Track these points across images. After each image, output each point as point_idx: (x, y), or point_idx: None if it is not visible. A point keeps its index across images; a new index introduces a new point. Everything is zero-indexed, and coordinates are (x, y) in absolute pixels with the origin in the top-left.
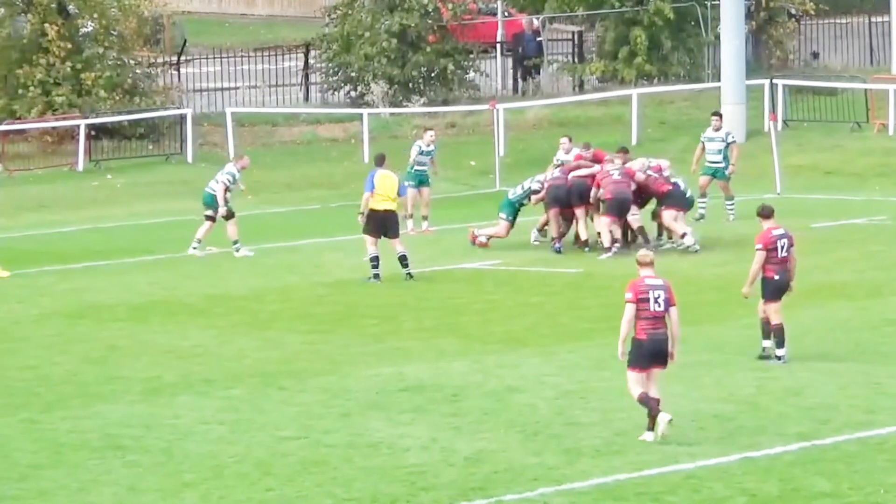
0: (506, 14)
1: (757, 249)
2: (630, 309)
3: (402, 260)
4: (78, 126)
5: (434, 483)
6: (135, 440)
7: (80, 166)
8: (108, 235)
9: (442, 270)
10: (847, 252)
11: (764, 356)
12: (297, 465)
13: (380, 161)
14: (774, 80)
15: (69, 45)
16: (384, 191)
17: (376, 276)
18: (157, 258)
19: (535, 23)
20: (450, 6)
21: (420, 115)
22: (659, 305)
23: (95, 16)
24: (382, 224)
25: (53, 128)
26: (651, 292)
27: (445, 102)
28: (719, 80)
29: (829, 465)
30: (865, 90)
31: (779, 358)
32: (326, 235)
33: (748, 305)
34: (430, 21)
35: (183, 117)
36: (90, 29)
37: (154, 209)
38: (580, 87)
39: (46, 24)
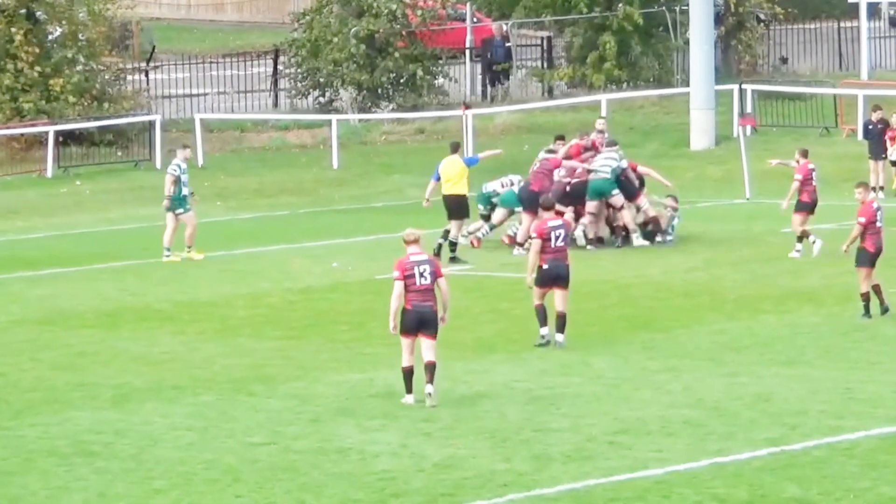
0: (474, 20)
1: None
2: (398, 286)
3: (451, 244)
4: (46, 132)
5: (404, 489)
6: (105, 446)
7: (49, 172)
8: (78, 242)
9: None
10: (816, 257)
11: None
12: (267, 471)
13: (453, 148)
14: (744, 86)
15: (37, 51)
16: (447, 176)
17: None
18: (126, 264)
19: (504, 28)
20: (419, 12)
21: (389, 120)
22: (425, 279)
23: (63, 21)
24: (447, 208)
25: (22, 134)
26: (416, 268)
27: (415, 108)
28: (689, 86)
29: (799, 470)
30: (834, 95)
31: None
32: (296, 241)
33: (717, 311)
34: (398, 26)
35: (151, 123)
36: (58, 34)
37: (123, 215)
38: (549, 92)
39: (14, 30)
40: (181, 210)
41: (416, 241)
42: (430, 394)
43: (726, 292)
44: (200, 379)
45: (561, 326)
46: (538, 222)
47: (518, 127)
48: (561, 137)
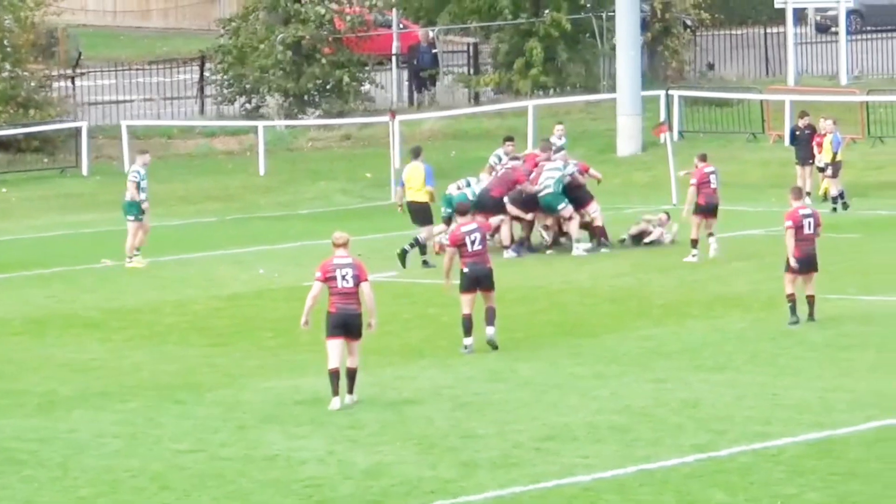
0: (401, 26)
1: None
2: (316, 286)
3: (418, 244)
4: None
5: (331, 496)
6: (31, 454)
7: None
8: (4, 249)
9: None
10: (743, 263)
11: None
12: (194, 478)
13: (415, 154)
14: (670, 91)
15: None
16: (410, 183)
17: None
18: (53, 271)
19: (431, 35)
20: (346, 18)
21: (315, 127)
22: (347, 282)
23: None
24: (411, 214)
25: None
26: (338, 270)
27: (341, 115)
28: (615, 91)
29: (726, 476)
30: (761, 101)
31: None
32: (222, 248)
33: (644, 317)
34: (325, 33)
35: (78, 130)
36: None
37: (50, 222)
38: (476, 98)
39: None
40: (131, 217)
41: (343, 245)
42: (347, 401)
43: (654, 298)
44: (127, 386)
45: (490, 319)
46: (453, 229)
47: (445, 133)
48: (510, 139)
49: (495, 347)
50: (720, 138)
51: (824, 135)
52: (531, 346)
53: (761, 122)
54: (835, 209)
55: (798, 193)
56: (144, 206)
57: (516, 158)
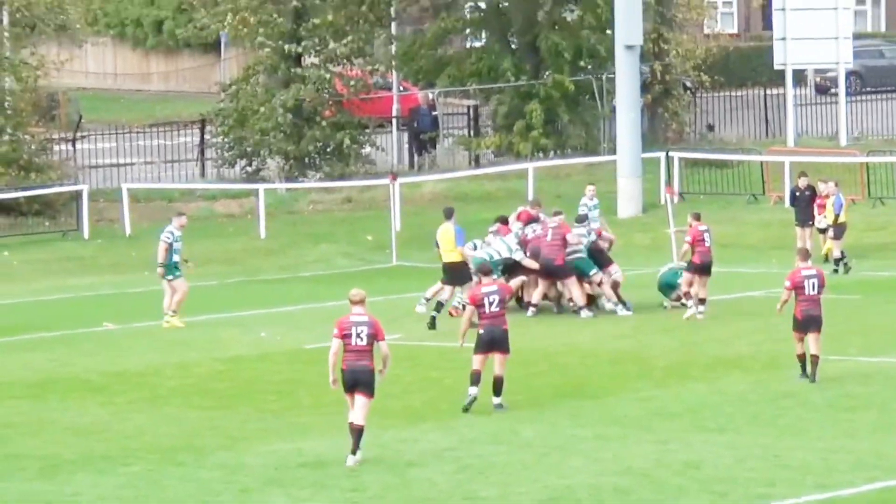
0: (401, 89)
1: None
2: (335, 343)
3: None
4: None
5: None
6: None
7: None
8: (6, 313)
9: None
10: (744, 324)
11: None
12: None
13: (447, 215)
14: (670, 153)
15: None
16: (442, 244)
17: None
18: (55, 335)
19: (431, 97)
20: (349, 83)
21: (316, 189)
22: (361, 340)
23: None
24: (445, 274)
25: None
26: (353, 328)
27: (342, 177)
28: (615, 153)
29: None
30: (761, 162)
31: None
32: (224, 311)
33: (645, 378)
34: (326, 95)
35: (79, 193)
36: None
37: (51, 286)
38: (476, 161)
39: None
40: (171, 277)
41: (360, 302)
42: (349, 463)
43: (655, 359)
44: (130, 449)
45: (497, 390)
46: (473, 288)
47: (445, 196)
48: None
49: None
50: (720, 199)
51: (826, 196)
52: (532, 408)
53: (761, 183)
54: (836, 271)
55: (805, 255)
56: (189, 266)
57: (558, 213)
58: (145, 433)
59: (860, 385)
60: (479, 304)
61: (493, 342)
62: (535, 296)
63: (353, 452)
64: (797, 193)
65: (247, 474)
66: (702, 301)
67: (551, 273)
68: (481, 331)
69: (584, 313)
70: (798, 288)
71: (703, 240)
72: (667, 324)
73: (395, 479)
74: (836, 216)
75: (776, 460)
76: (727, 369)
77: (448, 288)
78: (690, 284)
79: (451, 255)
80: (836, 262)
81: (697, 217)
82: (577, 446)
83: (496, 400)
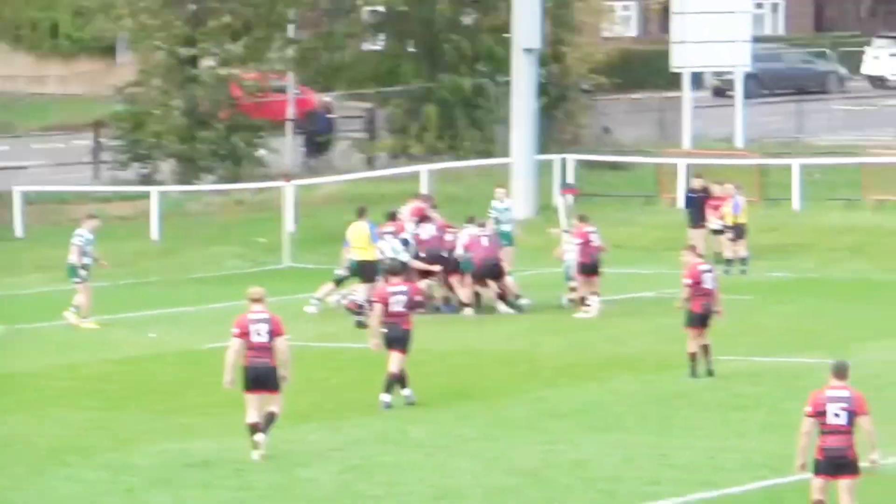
0: (296, 92)
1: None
2: (234, 342)
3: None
4: None
5: None
6: None
7: None
8: None
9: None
10: (636, 325)
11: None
12: None
13: (360, 213)
14: (566, 155)
15: None
16: (355, 242)
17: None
18: None
19: (327, 100)
20: (245, 84)
21: (210, 192)
22: (261, 337)
23: None
24: (356, 273)
25: None
26: (252, 325)
27: (235, 180)
28: (511, 156)
29: None
30: (656, 165)
31: None
32: (114, 312)
33: (535, 378)
34: (221, 98)
35: None
36: None
37: None
38: (371, 163)
39: None
40: (78, 279)
41: (259, 300)
42: (258, 441)
43: (546, 360)
44: (16, 451)
45: (387, 386)
46: (380, 288)
47: (340, 198)
48: (393, 216)
49: (412, 403)
50: (616, 201)
51: (721, 198)
52: (421, 408)
53: (656, 185)
54: (727, 271)
55: (695, 251)
56: (102, 265)
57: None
58: (32, 434)
59: (750, 385)
60: (384, 302)
61: (394, 340)
62: (466, 295)
63: (263, 431)
64: (692, 195)
65: (133, 474)
66: (589, 298)
67: (490, 273)
68: (384, 329)
69: (468, 311)
70: (697, 283)
71: (590, 241)
72: (558, 325)
73: (282, 479)
74: (735, 217)
75: (663, 459)
76: (618, 369)
77: (363, 287)
78: (584, 286)
79: (363, 253)
80: (728, 262)
81: (583, 218)
82: (464, 446)
83: (405, 391)
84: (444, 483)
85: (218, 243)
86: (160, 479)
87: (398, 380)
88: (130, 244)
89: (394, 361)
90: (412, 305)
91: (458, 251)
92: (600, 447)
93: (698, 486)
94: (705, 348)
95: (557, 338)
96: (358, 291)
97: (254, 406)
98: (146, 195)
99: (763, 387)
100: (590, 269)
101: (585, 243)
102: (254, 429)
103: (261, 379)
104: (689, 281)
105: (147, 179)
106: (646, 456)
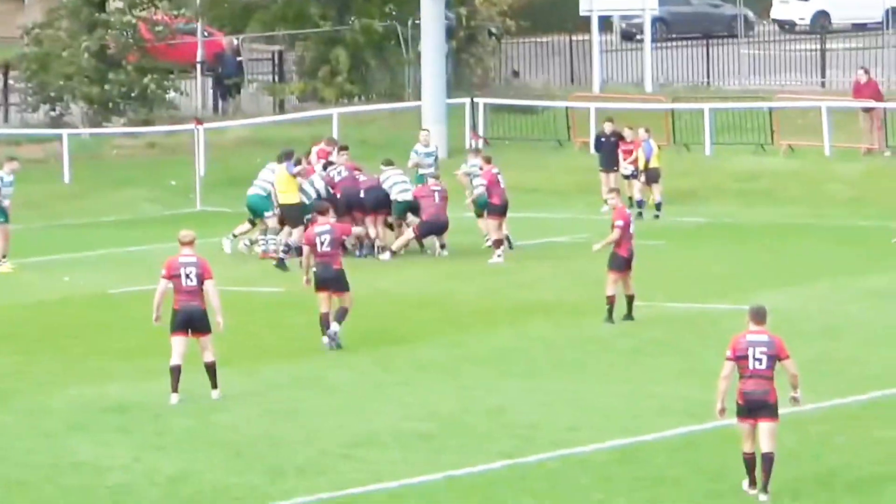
0: (206, 34)
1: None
2: (162, 283)
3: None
4: None
5: (137, 503)
6: None
7: None
8: None
9: (143, 291)
10: (549, 270)
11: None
12: (0, 486)
13: (282, 157)
14: (475, 99)
15: None
16: (278, 186)
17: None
18: None
19: (235, 43)
20: (156, 28)
21: (120, 135)
22: (191, 280)
23: None
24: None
25: None
26: (183, 269)
27: (146, 123)
28: (420, 99)
29: (533, 482)
30: (566, 108)
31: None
32: (27, 256)
33: (452, 324)
34: (130, 41)
35: None
36: None
37: None
38: (281, 106)
39: None
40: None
41: (189, 243)
42: (215, 398)
43: (461, 305)
44: None
45: (339, 316)
46: (308, 229)
47: (250, 141)
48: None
49: (338, 347)
50: (526, 145)
51: (633, 143)
52: (338, 353)
53: (567, 129)
54: (640, 214)
55: (618, 193)
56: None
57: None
58: None
59: (665, 331)
60: (312, 244)
61: (327, 281)
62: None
63: (214, 387)
64: (602, 139)
65: (51, 418)
66: (502, 242)
67: (439, 230)
68: (315, 270)
69: (385, 255)
70: (627, 226)
71: (498, 182)
72: (472, 269)
73: (199, 424)
74: (647, 162)
75: (581, 405)
76: (532, 315)
77: (289, 230)
78: (498, 228)
79: (287, 196)
80: (640, 204)
81: (488, 160)
82: (382, 391)
83: (334, 326)
84: (363, 428)
85: (129, 186)
86: (77, 423)
87: (343, 314)
88: (42, 187)
89: (325, 302)
90: (340, 245)
91: (394, 195)
92: (517, 393)
93: (616, 432)
94: (630, 298)
95: (472, 283)
96: (271, 238)
97: (179, 349)
98: (56, 138)
99: (677, 333)
100: (502, 210)
101: (495, 184)
102: (176, 371)
103: (192, 321)
104: (621, 223)
105: (56, 121)
106: (563, 402)
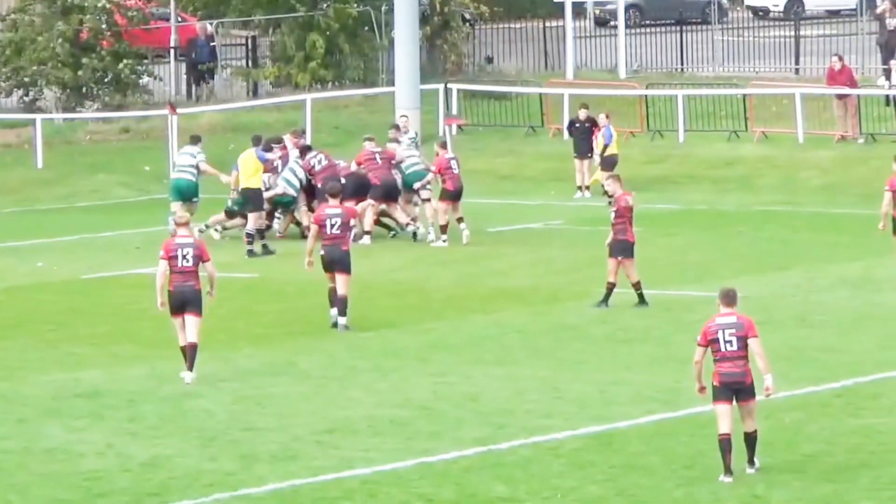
0: (179, 19)
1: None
2: (161, 265)
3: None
4: None
5: (110, 489)
6: None
7: None
8: None
9: (116, 276)
10: (523, 257)
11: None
12: None
13: (255, 142)
14: (449, 85)
15: None
16: (242, 170)
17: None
18: None
19: (209, 28)
20: (129, 13)
21: (94, 120)
22: (188, 261)
23: None
24: (243, 200)
25: None
26: (179, 250)
27: (120, 108)
28: (394, 85)
29: (506, 469)
30: (540, 94)
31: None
32: (1, 241)
33: (424, 310)
34: (104, 26)
35: None
36: None
37: None
38: (254, 92)
39: None
40: None
41: (184, 224)
42: (187, 379)
43: (433, 292)
44: None
45: (341, 309)
46: (318, 209)
47: (223, 126)
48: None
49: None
50: (499, 132)
51: (601, 128)
52: (311, 339)
53: (540, 115)
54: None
55: (616, 179)
56: None
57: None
58: None
59: (638, 318)
60: (321, 225)
61: (333, 262)
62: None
63: (190, 369)
64: (577, 125)
65: (24, 404)
66: (460, 220)
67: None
68: (322, 251)
69: (365, 240)
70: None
71: (451, 167)
72: (446, 256)
73: (172, 410)
74: (605, 147)
75: (554, 392)
76: (506, 302)
77: (251, 216)
78: (446, 212)
79: (251, 180)
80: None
81: (444, 146)
82: (355, 378)
83: (341, 320)
84: (336, 415)
85: (103, 171)
86: (51, 408)
87: (344, 304)
88: (15, 172)
89: (340, 284)
90: (348, 227)
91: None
92: (491, 380)
93: (590, 419)
94: (637, 284)
95: (444, 269)
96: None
97: (181, 329)
98: (30, 122)
99: (651, 320)
100: (454, 195)
101: (447, 170)
102: (184, 351)
103: (186, 301)
104: (626, 204)
105: (30, 106)
106: (536, 389)
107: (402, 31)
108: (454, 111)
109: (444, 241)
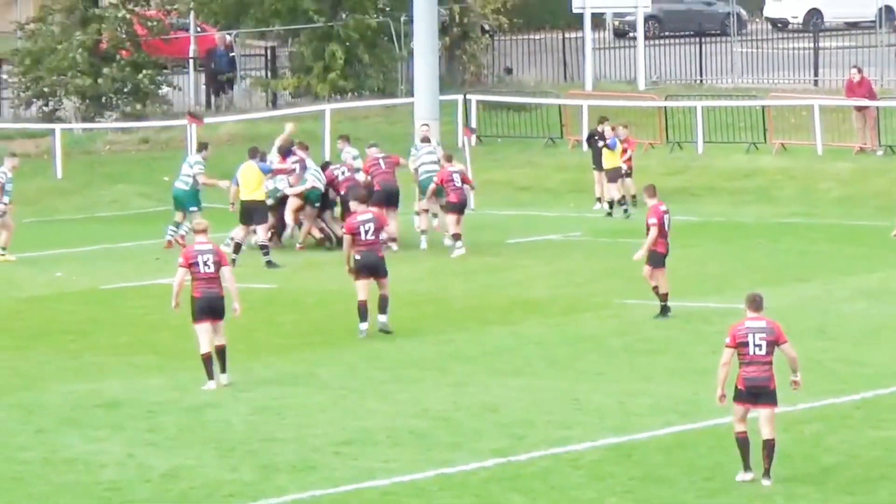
0: (198, 30)
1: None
2: (180, 272)
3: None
4: None
5: (130, 499)
6: None
7: None
8: None
9: (136, 287)
10: (542, 268)
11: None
12: None
13: (251, 154)
14: (468, 96)
15: None
16: (244, 182)
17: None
18: None
19: (228, 38)
20: (149, 24)
21: (113, 130)
22: (209, 267)
23: None
24: (243, 213)
25: None
26: (200, 257)
27: (139, 118)
28: (413, 96)
29: (525, 481)
30: (559, 106)
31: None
32: (20, 251)
33: (444, 320)
34: (124, 35)
35: None
36: None
37: None
38: (273, 102)
39: None
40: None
41: (203, 231)
42: (224, 381)
43: (453, 302)
44: None
45: (383, 307)
46: (349, 217)
47: (242, 136)
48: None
49: (388, 332)
50: (518, 143)
51: (630, 141)
52: (330, 350)
53: (560, 126)
54: (609, 214)
55: (653, 191)
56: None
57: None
58: None
59: (657, 329)
60: (355, 233)
61: (370, 268)
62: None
63: (223, 371)
64: (596, 137)
65: (44, 414)
66: (457, 237)
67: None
68: (358, 257)
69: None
70: (662, 224)
71: (453, 180)
72: (464, 266)
73: (192, 421)
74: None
75: (574, 404)
76: (525, 313)
77: (243, 229)
78: (456, 224)
79: (252, 193)
80: (611, 205)
81: (449, 158)
82: (374, 388)
83: (382, 318)
84: (355, 425)
85: (122, 181)
86: (70, 418)
87: (386, 302)
88: (34, 182)
89: (364, 290)
90: (381, 232)
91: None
92: (510, 391)
93: (609, 430)
94: (663, 295)
95: (463, 280)
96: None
97: (206, 337)
98: (49, 133)
99: (670, 331)
100: (459, 207)
101: (448, 182)
102: (209, 359)
103: (213, 308)
104: (655, 221)
105: (49, 117)
106: (556, 400)
107: (422, 42)
108: (473, 123)
109: (459, 248)
